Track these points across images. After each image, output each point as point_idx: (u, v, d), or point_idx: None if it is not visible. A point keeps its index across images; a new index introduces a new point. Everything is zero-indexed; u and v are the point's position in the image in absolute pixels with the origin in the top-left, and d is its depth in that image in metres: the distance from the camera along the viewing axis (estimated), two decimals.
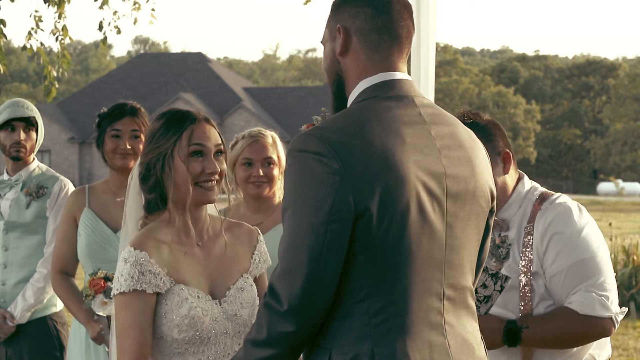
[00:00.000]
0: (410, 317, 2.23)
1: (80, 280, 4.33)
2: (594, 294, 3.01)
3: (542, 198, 3.15)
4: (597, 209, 36.51)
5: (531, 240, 3.09)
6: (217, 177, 2.75)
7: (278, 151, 4.05)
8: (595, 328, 3.02)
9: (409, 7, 2.43)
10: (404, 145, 2.25)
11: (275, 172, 4.01)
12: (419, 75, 4.53)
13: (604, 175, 67.87)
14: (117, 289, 2.66)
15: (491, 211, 2.45)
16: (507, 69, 77.72)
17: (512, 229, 3.15)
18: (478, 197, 2.37)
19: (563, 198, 3.15)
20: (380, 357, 2.20)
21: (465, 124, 3.15)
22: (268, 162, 4.00)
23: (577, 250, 3.04)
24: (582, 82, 75.46)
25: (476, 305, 3.00)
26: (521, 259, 3.08)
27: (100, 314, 3.92)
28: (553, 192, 3.19)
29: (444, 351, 2.27)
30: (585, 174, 71.35)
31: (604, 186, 58.26)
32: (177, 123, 2.74)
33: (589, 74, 75.90)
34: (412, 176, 2.23)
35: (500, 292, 3.00)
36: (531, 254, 3.08)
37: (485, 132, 3.16)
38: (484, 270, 2.97)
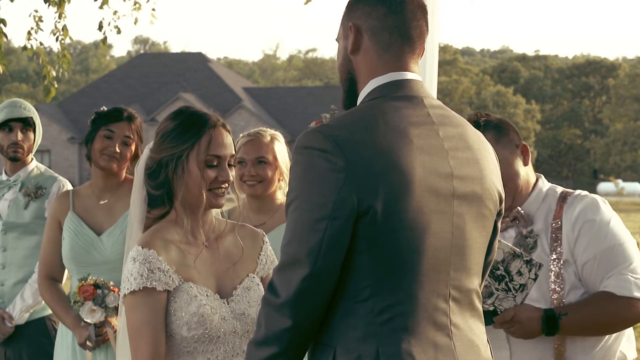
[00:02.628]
0: (415, 318, 2.22)
1: (67, 281, 4.30)
2: (629, 276, 3.06)
3: (565, 194, 3.23)
4: None
5: (560, 235, 3.14)
6: (226, 184, 2.78)
7: (274, 151, 4.01)
8: (632, 309, 3.06)
9: (423, 8, 2.41)
10: (410, 145, 2.24)
11: (269, 172, 3.98)
12: (423, 76, 4.52)
13: (604, 175, 67.93)
14: (128, 289, 2.66)
15: (499, 213, 2.44)
16: (507, 69, 77.78)
17: (537, 222, 3.21)
18: (486, 199, 2.36)
19: (586, 192, 3.24)
20: (385, 357, 2.19)
21: (478, 123, 3.22)
22: (260, 162, 3.97)
23: (607, 237, 3.11)
24: (582, 82, 75.50)
25: (512, 293, 2.99)
26: (551, 252, 3.14)
27: (88, 321, 3.89)
28: (573, 190, 3.27)
29: (449, 352, 2.26)
30: (585, 174, 71.39)
31: (604, 186, 58.28)
32: (196, 126, 2.74)
33: (589, 74, 75.93)
34: (418, 176, 2.22)
35: (534, 280, 3.02)
36: (561, 246, 3.13)
37: (500, 128, 3.25)
38: (517, 256, 3.00)
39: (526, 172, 3.25)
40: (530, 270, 3.00)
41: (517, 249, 3.01)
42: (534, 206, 3.23)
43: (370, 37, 2.37)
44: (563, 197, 3.21)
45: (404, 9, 2.36)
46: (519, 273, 3.00)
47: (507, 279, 2.99)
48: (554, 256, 3.13)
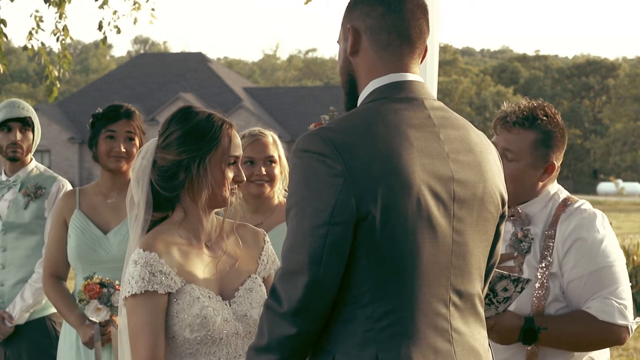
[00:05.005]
0: (415, 323, 2.20)
1: (72, 280, 4.31)
2: (613, 301, 3.04)
3: (565, 203, 3.16)
4: (597, 209, 36.45)
5: (551, 244, 3.10)
6: (241, 183, 2.81)
7: (279, 150, 4.05)
8: (611, 335, 3.04)
9: (423, 7, 2.38)
10: (410, 148, 2.21)
11: (277, 171, 4.01)
12: (424, 76, 4.52)
13: (604, 175, 67.91)
14: (129, 292, 2.65)
15: (502, 216, 2.41)
16: (508, 69, 77.79)
17: (536, 225, 3.17)
18: (487, 203, 2.33)
19: (587, 205, 3.17)
20: None
21: (537, 121, 3.14)
22: (270, 161, 4.00)
23: (598, 258, 3.06)
24: (582, 82, 75.52)
25: (494, 305, 2.96)
26: (541, 260, 3.10)
27: (93, 319, 3.90)
28: (577, 198, 3.20)
29: (449, 358, 2.23)
30: (585, 174, 71.39)
31: (604, 186, 58.30)
32: (214, 127, 2.74)
33: (589, 74, 75.96)
34: (418, 180, 2.19)
35: (520, 292, 2.99)
36: (551, 256, 3.09)
37: (549, 137, 3.15)
38: (505, 277, 2.95)
39: (536, 184, 3.17)
40: (516, 286, 2.97)
41: (505, 272, 2.97)
42: (535, 208, 3.19)
43: (369, 37, 2.34)
44: (563, 205, 3.15)
45: (403, 8, 2.33)
46: (505, 289, 2.98)
47: (491, 296, 2.97)
48: (543, 264, 3.09)
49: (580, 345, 3.09)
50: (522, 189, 3.17)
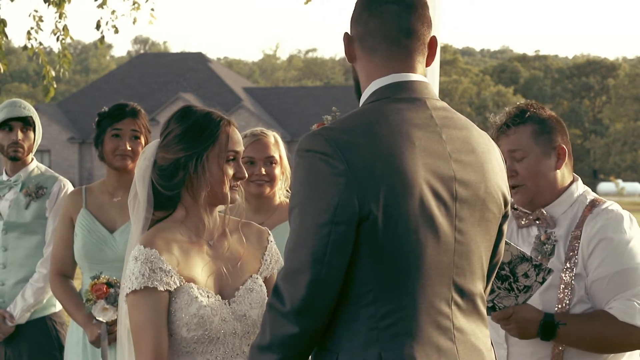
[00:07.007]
0: (418, 322, 2.21)
1: (78, 280, 4.31)
2: (635, 303, 3.00)
3: (593, 204, 3.15)
4: None
5: (577, 245, 3.08)
6: (242, 180, 2.81)
7: (280, 151, 4.06)
8: (631, 337, 3.01)
9: (411, 7, 2.35)
10: (412, 148, 2.22)
11: (277, 171, 4.02)
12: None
13: (604, 175, 67.95)
14: (129, 288, 2.66)
15: (504, 216, 2.41)
16: (507, 69, 77.83)
17: (560, 227, 3.15)
18: (489, 203, 2.33)
19: (615, 206, 3.15)
20: None
21: (524, 112, 3.19)
22: (270, 161, 4.00)
23: (623, 259, 3.03)
24: (582, 82, 75.56)
25: (514, 292, 2.96)
26: (566, 261, 3.08)
27: (100, 319, 3.91)
28: (604, 200, 3.19)
29: (452, 356, 2.24)
30: (585, 174, 71.42)
31: (604, 186, 58.31)
32: (212, 124, 2.75)
33: (589, 74, 76.01)
34: (420, 179, 2.20)
35: (541, 283, 2.98)
36: (577, 257, 3.07)
37: (544, 124, 3.19)
38: (527, 259, 2.96)
39: (554, 176, 3.17)
40: (538, 274, 2.95)
41: (527, 254, 2.95)
42: (559, 209, 3.17)
43: (359, 44, 2.38)
44: (590, 206, 3.13)
45: (384, 11, 2.34)
46: (525, 275, 2.97)
47: (511, 280, 2.96)
48: (568, 265, 3.07)
49: (600, 346, 3.05)
50: (544, 181, 3.16)
